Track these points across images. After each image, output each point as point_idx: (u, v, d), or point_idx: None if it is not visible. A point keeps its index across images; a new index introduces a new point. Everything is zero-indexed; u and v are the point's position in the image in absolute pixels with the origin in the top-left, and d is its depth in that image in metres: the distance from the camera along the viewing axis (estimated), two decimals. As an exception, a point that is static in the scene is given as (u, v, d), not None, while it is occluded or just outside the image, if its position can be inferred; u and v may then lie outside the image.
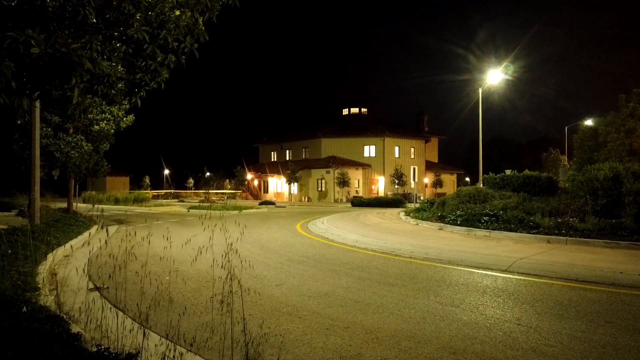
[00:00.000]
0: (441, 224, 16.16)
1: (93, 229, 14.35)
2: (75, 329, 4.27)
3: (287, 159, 52.21)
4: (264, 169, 52.83)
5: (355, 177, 46.38)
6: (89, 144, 17.79)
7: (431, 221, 17.34)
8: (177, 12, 4.63)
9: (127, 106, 17.22)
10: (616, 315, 5.53)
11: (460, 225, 15.23)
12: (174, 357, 3.71)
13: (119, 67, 4.55)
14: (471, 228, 14.49)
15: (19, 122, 15.15)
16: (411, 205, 29.69)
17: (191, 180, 62.24)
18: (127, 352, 3.63)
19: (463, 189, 21.39)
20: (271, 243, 12.25)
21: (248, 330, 4.22)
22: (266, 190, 53.10)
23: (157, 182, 66.63)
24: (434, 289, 6.90)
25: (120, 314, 4.87)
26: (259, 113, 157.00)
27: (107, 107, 17.23)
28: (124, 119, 18.74)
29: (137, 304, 4.70)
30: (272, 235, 14.13)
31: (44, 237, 10.01)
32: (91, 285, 6.82)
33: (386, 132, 48.95)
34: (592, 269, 8.25)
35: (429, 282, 7.45)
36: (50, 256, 8.45)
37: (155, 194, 53.51)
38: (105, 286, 6.63)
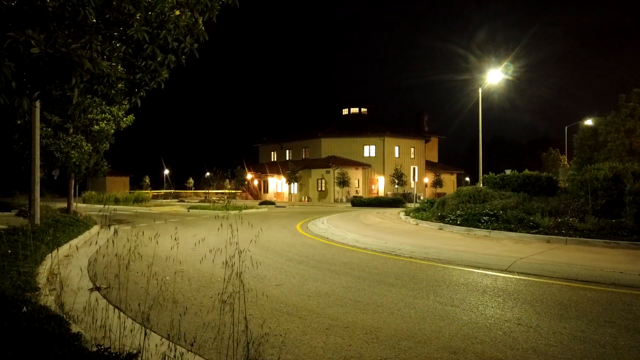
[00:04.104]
0: (441, 224, 16.16)
1: (93, 229, 14.36)
2: (75, 329, 4.27)
3: (287, 159, 52.19)
4: (264, 169, 52.82)
5: (355, 177, 46.38)
6: (89, 144, 17.77)
7: (431, 221, 17.34)
8: (177, 12, 4.63)
9: (127, 106, 17.17)
10: (616, 315, 5.54)
11: (460, 225, 15.22)
12: (174, 357, 3.71)
13: (119, 67, 4.55)
14: (471, 228, 14.49)
15: (19, 122, 15.13)
16: (411, 205, 29.69)
17: (191, 180, 62.23)
18: (127, 352, 3.62)
19: (463, 188, 21.38)
20: (271, 243, 12.26)
21: (249, 330, 4.23)
22: (266, 190, 53.10)
23: (157, 182, 66.66)
24: (434, 289, 6.91)
25: (121, 314, 4.86)
26: (259, 113, 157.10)
27: (107, 107, 17.20)
28: (124, 119, 18.72)
29: (139, 304, 4.71)
30: (272, 235, 14.13)
31: (44, 237, 10.01)
32: (92, 285, 6.82)
33: (386, 132, 48.93)
34: (592, 268, 8.25)
35: (429, 282, 7.45)
36: (50, 256, 8.45)
37: (155, 194, 53.52)
38: (105, 286, 6.63)
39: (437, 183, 49.98)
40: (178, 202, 45.65)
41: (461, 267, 8.73)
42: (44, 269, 7.28)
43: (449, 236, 13.73)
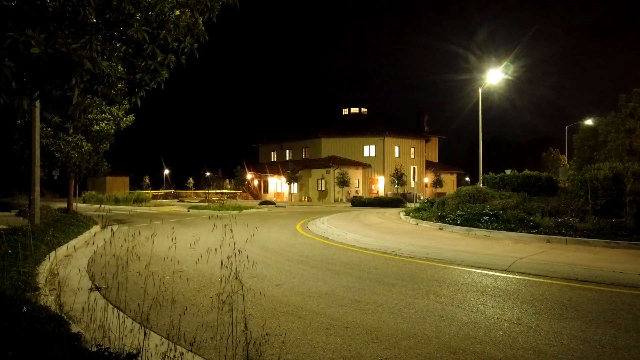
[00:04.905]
0: (441, 224, 16.16)
1: (93, 229, 14.36)
2: (75, 329, 4.27)
3: (287, 159, 52.20)
4: (264, 169, 52.82)
5: (355, 177, 46.38)
6: (89, 144, 17.77)
7: (431, 221, 17.34)
8: (177, 12, 4.63)
9: (127, 106, 17.21)
10: (616, 315, 5.54)
11: (460, 225, 15.22)
12: (174, 357, 3.71)
13: (119, 67, 4.55)
14: (471, 228, 14.48)
15: (19, 122, 15.13)
16: (411, 205, 29.69)
17: (191, 180, 62.31)
18: (127, 352, 3.62)
19: (463, 188, 21.38)
20: (271, 243, 12.26)
21: (248, 330, 4.22)
22: (266, 190, 53.10)
23: (157, 182, 66.71)
24: (434, 289, 6.90)
25: (121, 314, 4.86)
26: (259, 113, 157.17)
27: (107, 107, 17.20)
28: (124, 119, 18.72)
29: (138, 304, 4.71)
30: (272, 235, 14.13)
31: (44, 237, 10.01)
32: (92, 285, 6.82)
33: (386, 132, 48.95)
34: (592, 268, 8.25)
35: (429, 281, 7.45)
36: (50, 256, 8.45)
37: (155, 194, 53.51)
38: (105, 286, 6.63)
39: (437, 183, 49.97)
40: (178, 202, 45.66)
41: (461, 267, 8.73)
42: (43, 269, 7.28)
43: (449, 236, 13.72)
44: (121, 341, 3.88)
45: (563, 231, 12.29)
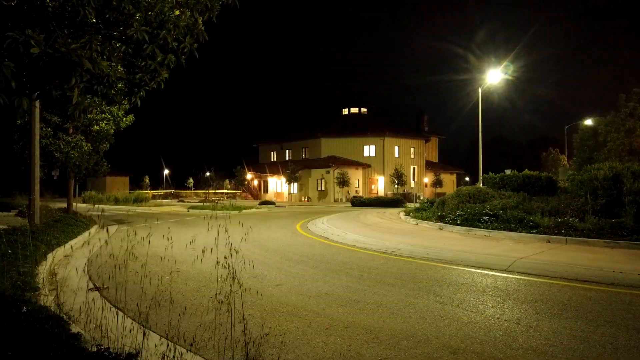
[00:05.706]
0: (441, 224, 16.16)
1: (93, 229, 14.35)
2: (75, 328, 4.27)
3: (287, 158, 52.20)
4: (263, 169, 52.81)
5: (355, 177, 46.38)
6: (89, 144, 17.77)
7: (431, 221, 17.34)
8: (177, 12, 4.63)
9: (127, 106, 17.19)
10: (616, 315, 5.54)
11: (460, 225, 15.22)
12: (174, 357, 3.71)
13: (119, 67, 4.55)
14: (471, 228, 14.48)
15: (19, 122, 15.13)
16: (411, 205, 29.68)
17: (191, 180, 62.26)
18: (127, 352, 3.63)
19: (463, 188, 21.38)
20: (271, 243, 12.26)
21: (248, 330, 4.23)
22: (266, 190, 53.09)
23: (157, 182, 66.68)
24: (434, 289, 6.91)
25: (120, 313, 4.87)
26: (259, 113, 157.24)
27: (107, 107, 17.21)
28: (124, 119, 18.72)
29: (137, 304, 4.70)
30: (272, 235, 14.13)
31: (43, 237, 10.00)
32: (91, 285, 6.82)
33: (386, 132, 48.95)
34: (592, 268, 8.25)
35: (429, 281, 7.45)
36: (50, 256, 8.45)
37: (155, 194, 53.48)
38: (105, 286, 6.63)
39: (437, 183, 49.98)
40: (178, 202, 45.64)
41: (461, 267, 8.73)
42: (43, 269, 7.28)
43: (448, 236, 13.72)
44: (121, 341, 3.88)
45: (563, 231, 12.29)
